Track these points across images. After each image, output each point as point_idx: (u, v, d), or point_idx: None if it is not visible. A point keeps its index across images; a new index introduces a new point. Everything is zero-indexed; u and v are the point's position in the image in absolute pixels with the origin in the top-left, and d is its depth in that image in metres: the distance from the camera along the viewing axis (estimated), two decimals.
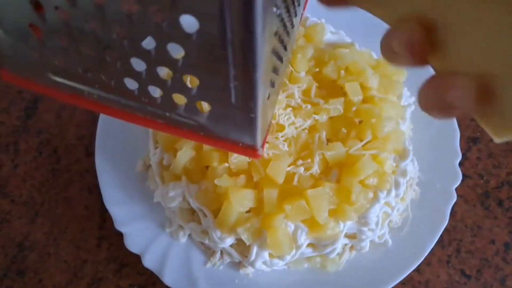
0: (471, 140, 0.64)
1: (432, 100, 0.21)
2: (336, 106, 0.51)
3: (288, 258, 0.49)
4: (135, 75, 0.27)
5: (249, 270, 0.52)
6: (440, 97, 0.21)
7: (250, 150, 0.30)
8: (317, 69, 0.54)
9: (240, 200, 0.46)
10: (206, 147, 0.48)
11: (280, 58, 0.30)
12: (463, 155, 0.58)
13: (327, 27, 0.58)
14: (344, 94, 0.52)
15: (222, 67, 0.24)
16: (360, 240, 0.51)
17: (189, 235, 0.54)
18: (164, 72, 0.26)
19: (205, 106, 0.28)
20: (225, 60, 0.23)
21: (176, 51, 0.24)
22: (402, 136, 0.52)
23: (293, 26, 0.32)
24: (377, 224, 0.50)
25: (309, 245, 0.50)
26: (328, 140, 0.51)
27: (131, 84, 0.28)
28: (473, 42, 0.21)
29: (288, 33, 0.30)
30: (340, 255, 0.52)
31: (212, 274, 0.52)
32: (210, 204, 0.49)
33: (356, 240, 0.52)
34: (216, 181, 0.46)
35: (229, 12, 0.20)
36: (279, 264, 0.50)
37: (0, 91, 0.67)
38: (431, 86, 0.21)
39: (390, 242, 0.54)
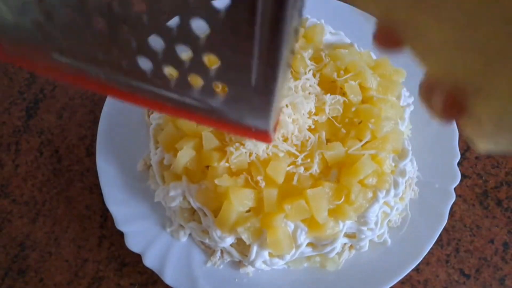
0: None
1: (423, 95, 0.24)
2: (335, 107, 0.51)
3: (288, 257, 0.49)
4: (151, 54, 0.25)
5: (249, 269, 0.52)
6: (427, 94, 0.23)
7: (263, 134, 0.30)
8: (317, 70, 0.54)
9: (240, 200, 0.47)
10: (206, 147, 0.49)
11: (296, 39, 0.29)
12: (462, 155, 0.59)
13: (326, 27, 0.59)
14: (343, 94, 0.52)
15: (247, 45, 0.23)
16: (360, 239, 0.52)
17: (190, 235, 0.54)
18: (183, 52, 0.24)
19: (222, 89, 0.27)
20: (251, 38, 0.22)
21: (198, 29, 0.23)
22: (401, 136, 0.52)
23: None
24: (376, 223, 0.51)
25: (308, 244, 0.50)
26: (328, 140, 0.51)
27: (145, 64, 0.26)
28: (444, 50, 0.21)
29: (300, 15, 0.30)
30: (339, 254, 0.52)
31: (212, 273, 0.53)
32: (210, 203, 0.49)
33: (356, 239, 0.52)
34: (216, 181, 0.47)
35: None
36: (279, 263, 0.51)
37: (2, 91, 0.67)
38: (424, 84, 0.24)
39: (389, 241, 0.54)
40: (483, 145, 0.23)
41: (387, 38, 0.23)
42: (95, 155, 0.57)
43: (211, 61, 0.25)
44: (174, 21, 0.23)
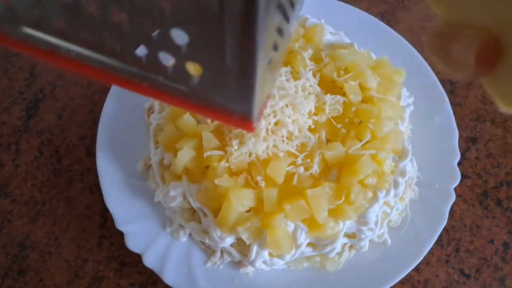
0: (470, 140, 0.64)
1: (436, 47, 0.21)
2: (335, 107, 0.51)
3: (288, 257, 0.49)
4: (116, 28, 0.24)
5: (249, 269, 0.52)
6: (443, 45, 0.20)
7: (245, 122, 0.28)
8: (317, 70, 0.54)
9: (240, 200, 0.47)
10: (206, 148, 0.49)
11: (287, 18, 0.26)
12: (462, 155, 0.59)
13: (326, 28, 0.59)
14: (343, 94, 0.52)
15: (215, 20, 0.21)
16: (360, 239, 0.52)
17: (190, 235, 0.54)
18: (149, 25, 0.23)
19: (197, 69, 0.25)
20: (220, 12, 0.20)
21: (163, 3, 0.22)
22: (401, 136, 0.52)
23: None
24: (376, 223, 0.51)
25: (308, 244, 0.50)
26: (328, 140, 0.51)
27: (112, 39, 0.25)
28: None
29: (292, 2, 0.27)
30: (339, 254, 0.52)
31: (212, 273, 0.53)
32: (210, 203, 0.49)
33: (356, 239, 0.52)
34: (216, 181, 0.47)
35: None
36: (279, 263, 0.51)
37: (2, 91, 0.67)
38: (438, 34, 0.21)
39: (389, 241, 0.54)
40: (509, 106, 0.21)
41: None
42: (95, 155, 0.57)
43: (182, 36, 0.23)
44: None
